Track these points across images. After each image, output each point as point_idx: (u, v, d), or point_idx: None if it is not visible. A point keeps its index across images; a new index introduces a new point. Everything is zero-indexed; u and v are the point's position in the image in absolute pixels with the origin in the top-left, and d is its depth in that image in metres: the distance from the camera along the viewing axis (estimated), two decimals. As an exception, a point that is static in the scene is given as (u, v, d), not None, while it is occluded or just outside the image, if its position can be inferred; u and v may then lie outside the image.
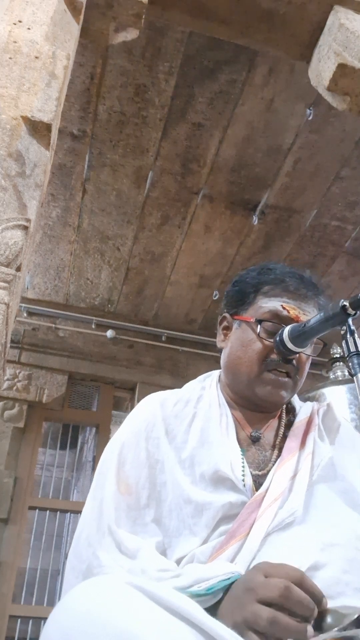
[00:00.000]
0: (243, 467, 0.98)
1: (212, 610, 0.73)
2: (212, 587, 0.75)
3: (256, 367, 1.06)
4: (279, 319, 1.07)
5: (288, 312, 1.07)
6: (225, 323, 1.19)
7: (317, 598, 0.70)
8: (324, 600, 0.71)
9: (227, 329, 1.18)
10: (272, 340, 1.05)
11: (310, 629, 0.68)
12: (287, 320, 1.06)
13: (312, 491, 0.95)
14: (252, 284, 1.14)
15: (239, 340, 1.12)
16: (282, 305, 1.07)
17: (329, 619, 0.71)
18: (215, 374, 1.19)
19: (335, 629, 0.69)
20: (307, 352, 1.09)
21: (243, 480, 0.95)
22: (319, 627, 0.70)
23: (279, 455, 1.02)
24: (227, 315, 1.19)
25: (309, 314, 1.08)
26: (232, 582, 0.77)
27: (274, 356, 1.05)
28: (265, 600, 0.69)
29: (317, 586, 0.71)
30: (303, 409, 1.13)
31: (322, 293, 1.14)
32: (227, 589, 0.77)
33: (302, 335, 0.99)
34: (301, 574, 0.71)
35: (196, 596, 0.74)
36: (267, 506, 0.91)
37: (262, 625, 0.67)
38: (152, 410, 1.08)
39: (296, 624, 0.67)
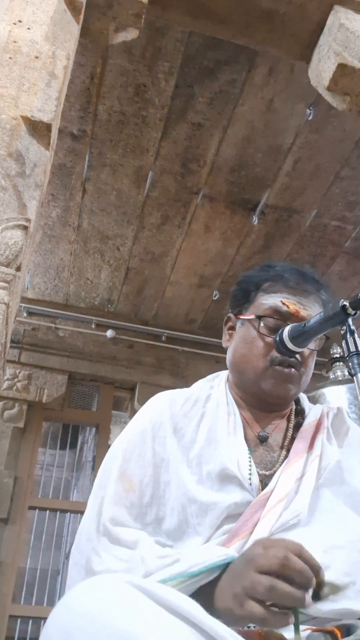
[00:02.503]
0: (250, 466, 0.98)
1: (210, 589, 0.75)
2: (208, 566, 0.77)
3: (261, 364, 1.07)
4: (280, 315, 1.07)
5: (288, 307, 1.07)
6: (230, 323, 1.20)
7: (315, 569, 0.72)
8: (321, 571, 0.73)
9: (232, 328, 1.19)
10: (274, 336, 1.06)
11: (308, 597, 0.69)
12: (288, 315, 1.07)
13: (317, 494, 0.96)
14: (253, 282, 1.15)
15: (242, 339, 1.13)
16: (281, 301, 1.08)
17: (325, 590, 0.74)
18: (223, 373, 1.20)
19: (330, 596, 0.73)
20: (310, 347, 1.08)
21: (249, 479, 0.95)
22: (316, 597, 0.73)
23: (286, 457, 1.02)
24: (231, 315, 1.20)
25: (310, 309, 1.08)
26: (229, 562, 0.78)
27: (275, 352, 1.06)
28: (264, 570, 0.70)
29: (314, 558, 0.72)
30: (312, 411, 1.13)
31: (323, 288, 1.14)
32: (224, 568, 0.78)
33: (302, 335, 0.99)
34: (299, 546, 0.73)
35: (192, 576, 0.76)
36: (272, 507, 0.91)
37: (261, 593, 0.69)
38: (160, 409, 1.08)
39: (295, 590, 0.68)
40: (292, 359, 1.05)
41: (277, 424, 1.09)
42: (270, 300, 1.09)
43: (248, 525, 0.89)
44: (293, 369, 1.06)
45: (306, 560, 0.71)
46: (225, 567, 0.78)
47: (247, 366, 1.09)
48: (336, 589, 0.76)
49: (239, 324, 1.16)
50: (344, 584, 0.78)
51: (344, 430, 1.09)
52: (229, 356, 1.16)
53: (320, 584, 0.72)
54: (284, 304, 1.07)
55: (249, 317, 1.11)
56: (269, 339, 1.07)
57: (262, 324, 1.08)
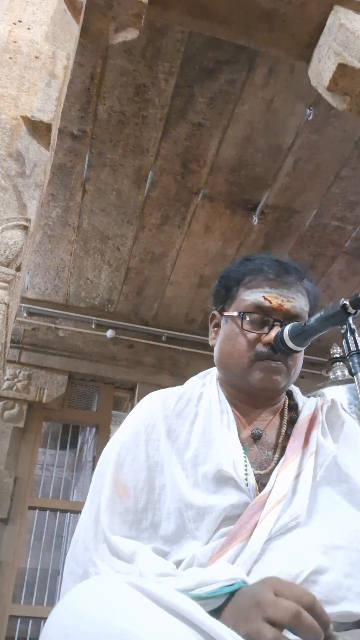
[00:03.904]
0: (245, 465, 0.96)
1: (213, 615, 0.72)
2: (214, 592, 0.74)
3: (245, 359, 1.06)
4: (262, 310, 1.06)
5: (270, 302, 1.06)
6: (215, 320, 1.19)
7: (325, 624, 0.69)
8: (330, 627, 0.70)
9: (217, 325, 1.18)
10: (258, 332, 1.06)
11: None
12: (270, 310, 1.06)
13: (315, 493, 0.94)
14: (233, 277, 1.14)
15: (226, 336, 1.12)
16: (263, 296, 1.07)
17: None
18: (214, 370, 1.18)
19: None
20: None
21: (246, 480, 0.94)
22: None
23: (281, 455, 1.00)
24: (215, 312, 1.19)
25: (293, 300, 1.07)
26: (235, 589, 0.75)
27: (260, 347, 1.05)
28: (272, 620, 0.67)
29: (326, 612, 0.70)
30: (306, 405, 1.11)
31: (305, 276, 1.13)
32: (229, 595, 0.75)
33: (302, 334, 0.99)
34: (312, 599, 0.70)
35: (197, 599, 0.73)
36: (270, 508, 0.90)
37: None
38: (152, 410, 1.07)
39: None
40: (277, 354, 1.04)
41: (270, 420, 1.08)
42: (252, 295, 1.08)
43: (247, 527, 0.88)
44: (279, 362, 1.05)
45: (317, 615, 0.68)
46: (231, 593, 0.75)
47: (233, 363, 1.08)
48: None
49: (223, 321, 1.15)
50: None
51: (339, 424, 1.08)
52: (215, 354, 1.15)
53: (327, 638, 0.69)
54: (266, 299, 1.06)
55: (232, 314, 1.10)
56: (253, 335, 1.06)
57: (245, 321, 1.07)
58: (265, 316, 1.06)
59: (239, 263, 1.16)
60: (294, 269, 1.11)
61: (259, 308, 1.07)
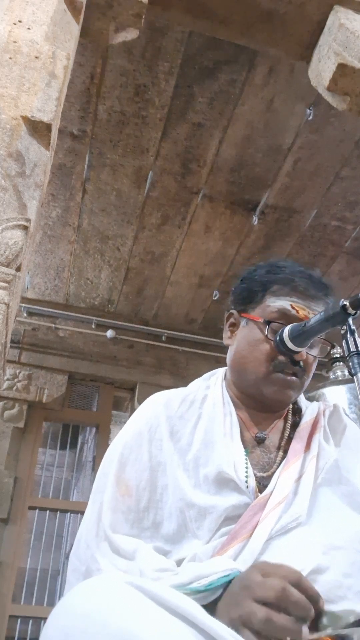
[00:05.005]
0: (246, 468, 0.97)
1: (211, 606, 0.74)
2: (211, 583, 0.76)
3: (264, 368, 1.05)
4: (288, 319, 1.05)
5: (297, 312, 1.05)
6: (232, 320, 1.18)
7: (314, 599, 0.70)
8: (320, 601, 0.71)
9: (234, 325, 1.17)
10: None
11: (305, 629, 0.68)
12: (295, 319, 1.04)
13: (316, 494, 0.95)
14: (260, 282, 1.12)
15: (246, 340, 1.10)
16: (291, 305, 1.06)
17: (324, 620, 0.72)
18: (220, 371, 1.18)
19: (330, 628, 0.70)
20: (313, 354, 1.08)
21: (246, 482, 0.95)
22: (315, 628, 0.71)
23: (283, 457, 1.01)
24: (234, 312, 1.17)
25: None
26: (232, 579, 0.77)
27: (281, 357, 1.04)
28: (261, 600, 0.69)
29: (314, 587, 0.71)
30: (309, 409, 1.12)
31: (331, 293, 1.12)
32: (226, 585, 0.77)
33: (302, 335, 0.99)
34: (299, 575, 0.71)
35: (195, 592, 0.74)
36: (271, 509, 0.90)
37: (257, 624, 0.68)
38: (155, 411, 1.07)
39: (291, 624, 0.67)
40: (296, 367, 1.04)
41: (274, 424, 1.09)
42: (278, 303, 1.07)
43: (247, 527, 0.89)
44: (295, 377, 1.05)
45: (304, 591, 0.70)
46: (227, 583, 0.77)
47: (249, 368, 1.07)
48: (336, 619, 0.75)
49: (242, 323, 1.13)
50: (344, 614, 0.77)
51: (340, 429, 1.09)
52: (230, 355, 1.14)
53: (319, 614, 0.70)
54: (293, 307, 1.06)
55: (256, 319, 1.09)
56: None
57: (269, 328, 1.05)
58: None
59: (266, 269, 1.14)
60: (322, 285, 1.11)
61: (284, 315, 1.06)
